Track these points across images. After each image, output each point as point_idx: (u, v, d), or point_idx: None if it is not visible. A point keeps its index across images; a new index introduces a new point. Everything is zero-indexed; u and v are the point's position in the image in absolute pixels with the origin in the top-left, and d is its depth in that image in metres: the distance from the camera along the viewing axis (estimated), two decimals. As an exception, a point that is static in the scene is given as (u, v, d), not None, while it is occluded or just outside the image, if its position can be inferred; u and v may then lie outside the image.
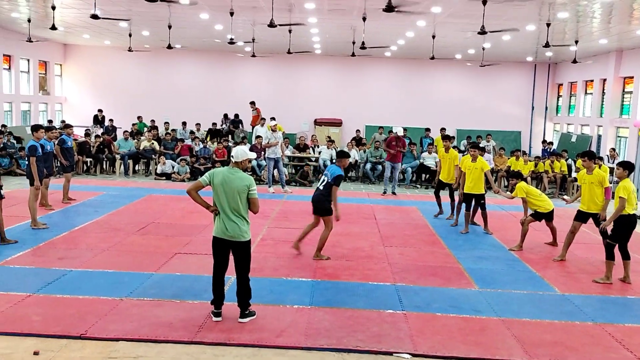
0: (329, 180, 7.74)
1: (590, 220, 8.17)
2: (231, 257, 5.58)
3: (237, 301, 5.56)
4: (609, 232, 7.39)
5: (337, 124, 21.89)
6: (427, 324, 5.71)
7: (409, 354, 5.01)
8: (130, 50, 17.58)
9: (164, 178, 15.52)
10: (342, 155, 8.24)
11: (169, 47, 15.71)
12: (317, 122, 21.91)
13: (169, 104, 21.60)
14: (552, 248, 9.23)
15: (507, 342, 5.33)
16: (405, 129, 19.38)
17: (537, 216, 9.06)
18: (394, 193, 14.10)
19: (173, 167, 15.76)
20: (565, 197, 11.16)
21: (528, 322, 5.87)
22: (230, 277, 5.94)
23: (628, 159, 15.95)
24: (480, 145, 17.84)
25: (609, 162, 15.06)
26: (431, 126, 19.54)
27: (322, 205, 7.83)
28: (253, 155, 5.72)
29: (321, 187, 7.83)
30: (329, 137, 18.79)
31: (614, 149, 15.82)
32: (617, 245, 7.27)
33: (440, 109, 21.47)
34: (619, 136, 17.16)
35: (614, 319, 6.06)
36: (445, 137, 10.94)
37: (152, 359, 4.72)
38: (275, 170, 14.22)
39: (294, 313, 5.83)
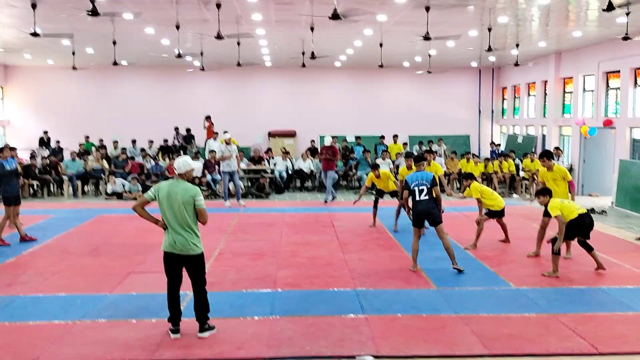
0: (429, 186, 7.65)
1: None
2: (186, 272, 5.47)
3: (196, 316, 5.45)
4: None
5: (291, 135, 21.92)
6: (388, 325, 5.74)
7: (372, 356, 5.03)
8: (74, 68, 17.13)
9: (115, 197, 15.14)
10: (420, 159, 8.41)
11: (115, 63, 15.39)
12: (271, 134, 21.87)
13: (117, 121, 21.11)
14: (505, 245, 9.48)
15: (467, 338, 5.42)
16: (358, 137, 19.71)
17: (491, 214, 9.31)
18: (325, 201, 14.15)
19: (124, 186, 15.40)
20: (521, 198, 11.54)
21: (485, 317, 5.99)
22: (188, 292, 5.82)
23: (572, 156, 16.59)
24: (432, 149, 18.27)
25: (554, 159, 15.58)
26: (385, 133, 19.82)
27: (435, 215, 7.66)
28: (197, 165, 5.63)
29: (425, 197, 7.61)
30: (284, 148, 18.80)
31: (558, 148, 16.40)
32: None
33: (393, 116, 21.80)
34: (562, 135, 17.82)
35: (566, 308, 6.24)
36: (407, 155, 11.03)
37: (109, 380, 4.56)
38: (231, 183, 14.11)
39: (255, 324, 5.76)
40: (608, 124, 14.81)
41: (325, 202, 14.12)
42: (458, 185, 16.57)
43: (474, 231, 9.30)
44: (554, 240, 7.53)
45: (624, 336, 5.48)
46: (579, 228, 7.52)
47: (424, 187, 7.63)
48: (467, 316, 6.00)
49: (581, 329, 5.65)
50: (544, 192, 7.85)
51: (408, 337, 5.44)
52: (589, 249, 7.68)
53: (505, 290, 6.97)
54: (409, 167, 10.32)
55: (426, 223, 8.01)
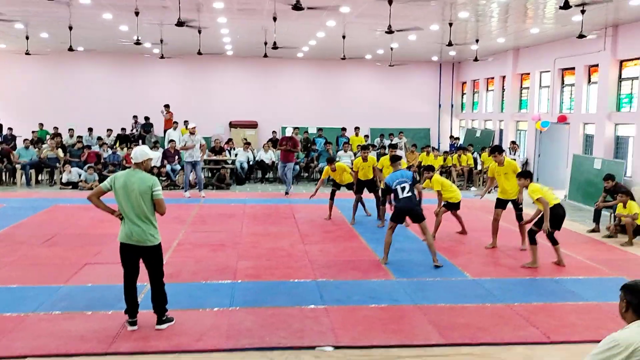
0: (410, 183, 7.77)
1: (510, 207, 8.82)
2: (142, 264, 5.37)
3: (153, 308, 5.36)
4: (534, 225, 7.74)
5: (253, 125, 21.73)
6: (348, 316, 5.79)
7: (331, 346, 5.06)
8: (27, 53, 16.52)
9: (70, 187, 14.73)
10: (396, 159, 8.63)
11: (71, 49, 14.90)
12: (232, 125, 21.63)
13: (73, 109, 20.49)
14: (462, 236, 9.68)
15: (424, 328, 5.51)
16: (320, 129, 19.72)
17: (449, 206, 9.48)
18: (286, 193, 14.13)
19: (80, 176, 14.99)
20: (477, 192, 11.76)
21: (443, 307, 6.10)
22: (146, 284, 5.72)
23: (528, 150, 17.03)
24: (393, 142, 18.46)
25: (510, 154, 15.98)
26: (347, 125, 19.88)
27: (418, 211, 7.78)
28: (154, 154, 5.53)
29: (408, 194, 7.71)
30: (245, 139, 18.64)
31: (514, 142, 16.82)
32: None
33: (354, 108, 21.87)
34: (518, 129, 18.26)
35: (520, 299, 6.43)
36: (363, 148, 11.05)
37: (62, 374, 4.45)
38: (192, 174, 13.92)
39: (214, 316, 5.72)
40: (562, 119, 15.24)
41: (286, 193, 14.09)
42: (418, 178, 16.78)
43: (431, 223, 9.43)
44: (532, 231, 7.66)
45: (574, 325, 5.68)
46: (553, 217, 7.51)
47: (406, 185, 7.76)
48: (425, 306, 6.11)
49: (534, 318, 5.82)
50: (526, 175, 7.90)
51: (367, 327, 5.50)
52: (554, 243, 7.76)
53: (462, 281, 7.12)
54: (364, 159, 10.48)
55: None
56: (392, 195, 7.91)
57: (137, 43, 13.69)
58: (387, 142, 18.85)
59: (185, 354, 4.83)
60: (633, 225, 9.29)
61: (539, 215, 7.67)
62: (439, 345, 5.13)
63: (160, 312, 5.36)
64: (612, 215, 10.28)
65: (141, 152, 5.36)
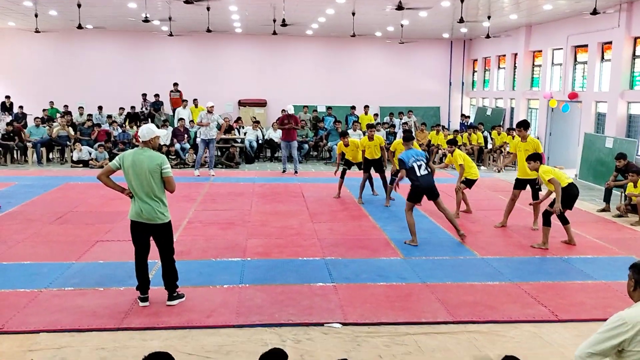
0: (425, 161, 7.76)
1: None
2: (153, 241, 5.43)
3: (164, 284, 5.44)
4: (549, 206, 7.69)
5: (262, 104, 21.66)
6: (356, 293, 5.83)
7: (340, 323, 5.11)
8: (37, 31, 16.50)
9: (81, 165, 14.83)
10: (409, 138, 8.39)
11: (80, 27, 14.88)
12: (241, 103, 21.57)
13: (83, 87, 20.51)
14: (469, 215, 9.67)
15: (432, 306, 5.55)
16: (329, 108, 19.63)
17: (468, 183, 9.45)
18: (295, 172, 14.08)
19: (90, 154, 15.08)
20: (497, 166, 11.76)
21: (451, 285, 6.13)
22: (156, 261, 5.79)
23: (539, 129, 16.88)
24: (402, 121, 18.37)
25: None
26: (356, 104, 19.77)
27: (436, 189, 7.76)
28: (161, 132, 5.52)
29: (425, 172, 7.69)
30: (254, 117, 18.61)
31: (526, 121, 16.60)
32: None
33: (364, 86, 21.71)
34: (530, 108, 18.07)
35: (528, 277, 6.43)
36: (370, 127, 11.02)
37: (76, 348, 4.54)
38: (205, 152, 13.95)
39: (224, 293, 5.79)
40: (573, 96, 15.06)
41: (295, 172, 14.09)
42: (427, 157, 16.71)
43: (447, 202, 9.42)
44: (547, 212, 7.62)
45: (583, 304, 5.69)
46: (566, 197, 7.45)
47: (422, 162, 7.71)
48: (433, 284, 6.14)
49: (542, 296, 5.83)
50: (535, 158, 7.74)
51: (375, 304, 5.54)
52: (565, 222, 7.73)
53: (471, 260, 7.13)
54: (370, 138, 10.43)
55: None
56: (408, 174, 7.71)
57: (146, 20, 13.65)
58: (396, 120, 18.76)
59: (195, 330, 4.90)
60: (644, 205, 9.23)
61: (552, 196, 7.61)
62: (447, 322, 5.17)
63: (171, 288, 5.43)
64: (623, 194, 10.20)
65: (148, 130, 5.37)
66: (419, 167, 7.67)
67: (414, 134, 17.19)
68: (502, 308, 5.51)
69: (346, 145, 10.87)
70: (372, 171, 10.77)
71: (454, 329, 5.05)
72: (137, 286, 5.43)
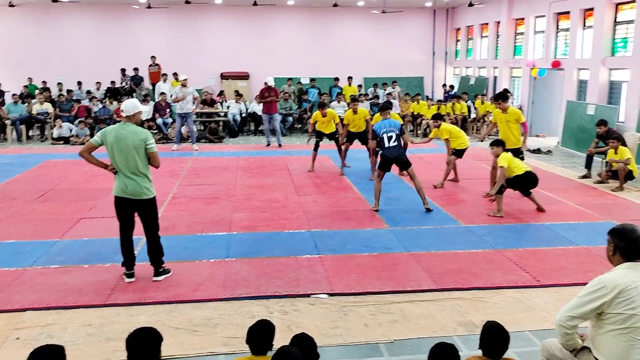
0: (398, 132, 7.85)
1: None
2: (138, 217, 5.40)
3: (150, 260, 5.43)
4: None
5: (245, 77, 21.39)
6: (342, 264, 5.88)
7: (326, 293, 5.16)
8: (11, 5, 16.06)
9: (62, 142, 14.61)
10: (385, 108, 8.45)
11: (55, 0, 14.47)
12: (223, 76, 21.29)
13: (61, 63, 20.06)
14: (455, 184, 9.75)
15: (417, 274, 5.62)
16: (313, 79, 19.46)
17: (458, 153, 9.50)
18: (279, 145, 14.05)
19: (71, 130, 14.86)
20: (477, 136, 11.82)
21: (435, 254, 6.21)
22: (142, 237, 5.77)
23: (522, 98, 16.93)
24: (387, 92, 18.29)
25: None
26: (339, 75, 19.61)
27: (405, 159, 7.91)
28: (145, 108, 5.46)
29: (394, 143, 7.81)
30: (237, 91, 18.41)
31: (507, 90, 16.57)
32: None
33: (347, 57, 21.51)
34: (513, 76, 18.08)
35: (511, 244, 6.53)
36: (353, 100, 10.94)
37: (62, 325, 4.54)
38: (184, 127, 13.82)
39: (210, 267, 5.80)
40: (556, 65, 15.09)
41: (279, 145, 14.04)
42: (411, 128, 16.75)
43: (428, 173, 9.49)
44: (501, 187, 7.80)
45: (564, 269, 5.80)
46: (524, 183, 7.80)
47: (393, 134, 7.82)
48: (418, 253, 6.21)
49: (525, 263, 5.94)
50: (498, 143, 8.06)
51: (361, 274, 5.60)
52: (527, 194, 8.00)
53: (455, 229, 7.21)
54: (354, 111, 10.40)
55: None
56: (378, 144, 7.91)
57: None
58: (380, 91, 18.68)
59: (182, 304, 4.92)
60: (625, 171, 9.35)
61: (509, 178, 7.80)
62: (431, 290, 5.24)
63: (157, 264, 5.43)
64: (604, 161, 10.32)
65: (132, 105, 5.29)
66: (389, 138, 7.82)
67: (398, 105, 17.19)
68: (485, 275, 5.60)
69: (324, 116, 10.80)
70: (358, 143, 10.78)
71: (438, 297, 5.12)
72: (123, 262, 5.42)
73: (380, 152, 7.97)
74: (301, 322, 4.60)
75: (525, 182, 7.84)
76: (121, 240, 5.37)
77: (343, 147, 10.71)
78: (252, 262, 5.93)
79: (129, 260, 5.39)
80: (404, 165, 7.96)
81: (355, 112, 10.43)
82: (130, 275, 5.40)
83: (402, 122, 10.45)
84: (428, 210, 7.87)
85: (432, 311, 4.83)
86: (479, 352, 3.10)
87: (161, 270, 5.45)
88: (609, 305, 2.85)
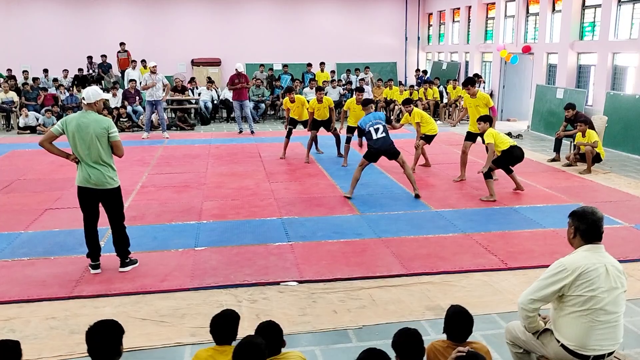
0: (383, 123, 7.86)
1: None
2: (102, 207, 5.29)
3: (115, 251, 5.33)
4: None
5: (216, 63, 21.11)
6: (312, 251, 5.86)
7: (296, 281, 5.14)
8: (-29, -10, 15.54)
9: (28, 132, 14.26)
10: (367, 103, 8.60)
11: (17, -15, 14.04)
12: (194, 63, 20.97)
13: (27, 50, 19.52)
14: (426, 169, 9.80)
15: (387, 259, 5.63)
16: (285, 65, 19.29)
17: (427, 139, 9.53)
18: (252, 132, 13.97)
19: (37, 119, 14.50)
20: (450, 122, 11.89)
21: (405, 239, 6.23)
22: (108, 228, 5.64)
23: (493, 82, 17.05)
24: (359, 77, 18.24)
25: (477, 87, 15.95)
26: (312, 61, 19.48)
27: (394, 149, 7.87)
28: (107, 95, 5.34)
29: (384, 134, 7.79)
30: (209, 77, 18.16)
31: (478, 75, 16.69)
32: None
33: (320, 43, 21.37)
34: (484, 61, 18.19)
35: (480, 228, 6.59)
36: (318, 89, 10.82)
37: (25, 319, 4.43)
38: (154, 115, 13.60)
39: (179, 257, 5.72)
40: (527, 50, 15.21)
41: (252, 132, 13.93)
42: (385, 113, 16.73)
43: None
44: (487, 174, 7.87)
45: (531, 251, 5.87)
46: (509, 158, 7.89)
47: (379, 125, 7.83)
48: (388, 239, 6.22)
49: (493, 246, 5.99)
50: (485, 119, 8.15)
51: (331, 261, 5.59)
52: (509, 172, 8.11)
53: (425, 213, 7.24)
54: (319, 100, 10.42)
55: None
56: (366, 136, 7.92)
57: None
58: (353, 77, 18.63)
59: (149, 295, 4.85)
60: (592, 153, 9.50)
61: (496, 157, 7.88)
62: (400, 275, 5.26)
63: (123, 254, 5.33)
64: (572, 144, 10.47)
65: (94, 92, 5.15)
66: (376, 130, 7.82)
67: (370, 90, 17.17)
68: (454, 259, 5.64)
69: (292, 101, 10.75)
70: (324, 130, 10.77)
71: (407, 281, 5.14)
72: (88, 253, 5.31)
73: (369, 144, 7.92)
74: (270, 310, 4.58)
75: (510, 157, 7.90)
76: (85, 231, 5.26)
77: (310, 134, 10.64)
78: (222, 250, 5.87)
79: (94, 252, 5.28)
80: (394, 155, 7.92)
81: (320, 101, 10.40)
82: (95, 267, 5.29)
83: (331, 106, 10.54)
84: (417, 196, 7.87)
85: (401, 296, 4.85)
86: (444, 337, 3.12)
87: (127, 260, 5.35)
88: (569, 287, 2.87)
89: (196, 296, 4.83)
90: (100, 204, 5.26)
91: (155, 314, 4.51)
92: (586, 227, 2.96)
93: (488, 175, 7.83)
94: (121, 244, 5.31)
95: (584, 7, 13.40)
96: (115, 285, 5.02)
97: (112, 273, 5.27)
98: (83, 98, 5.16)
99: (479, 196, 7.99)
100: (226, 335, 3.05)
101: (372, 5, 21.44)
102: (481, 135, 8.64)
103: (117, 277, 5.20)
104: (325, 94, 16.29)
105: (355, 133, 10.42)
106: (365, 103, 8.58)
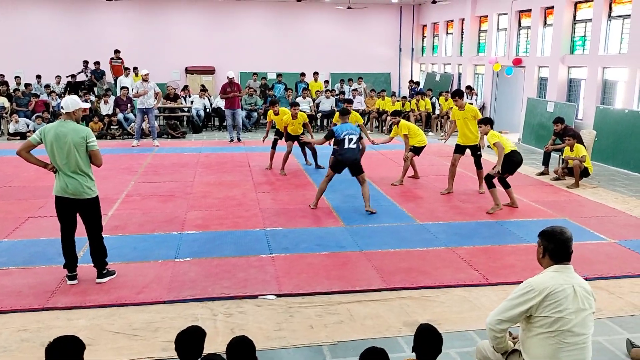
0: (358, 137, 7.77)
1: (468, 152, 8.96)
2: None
3: (93, 262, 5.28)
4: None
5: (210, 71, 21.12)
6: (293, 264, 5.81)
7: (274, 294, 5.09)
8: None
9: (18, 138, 14.20)
10: (345, 112, 8.37)
11: (10, -9, 14.04)
12: (188, 70, 20.98)
13: (20, 56, 19.48)
14: (414, 181, 9.77)
15: (367, 273, 5.59)
16: (279, 75, 19.31)
17: (416, 151, 9.51)
18: (239, 139, 14.03)
19: (28, 126, 14.45)
20: (441, 137, 11.87)
21: (387, 252, 6.19)
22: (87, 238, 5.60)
23: (485, 94, 17.10)
24: (352, 88, 18.26)
25: (467, 98, 16.00)
26: (306, 70, 19.51)
27: (360, 165, 7.83)
28: (86, 105, 5.31)
29: (354, 146, 7.69)
30: (203, 85, 18.16)
31: (470, 87, 16.73)
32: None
33: (314, 53, 21.42)
34: (476, 73, 18.25)
35: (463, 242, 6.56)
36: (292, 105, 10.74)
37: (-4, 331, 4.37)
38: (145, 122, 13.58)
39: (158, 268, 5.67)
40: (518, 62, 15.27)
41: (239, 140, 14.02)
42: (377, 124, 16.77)
43: (389, 169, 9.49)
44: (488, 176, 7.78)
45: (513, 266, 5.84)
46: (509, 163, 7.73)
47: (354, 137, 7.76)
48: (370, 252, 6.18)
49: (475, 260, 5.96)
50: (486, 122, 8.06)
51: (311, 274, 5.54)
52: (507, 186, 7.98)
53: (410, 226, 7.21)
54: (293, 116, 10.22)
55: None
56: (337, 144, 7.79)
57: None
58: (346, 87, 18.65)
59: (124, 307, 4.79)
60: (580, 168, 9.50)
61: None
62: (380, 289, 5.22)
63: (100, 265, 5.28)
64: (561, 158, 10.47)
65: (72, 101, 5.13)
66: (350, 140, 7.72)
67: (363, 101, 17.20)
68: (435, 273, 5.60)
69: (276, 114, 10.77)
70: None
71: (386, 296, 5.10)
72: (65, 264, 5.25)
73: (337, 152, 7.84)
74: (245, 324, 4.53)
75: (511, 163, 7.73)
76: (63, 241, 5.21)
77: (287, 147, 10.49)
78: (201, 262, 5.82)
79: (70, 262, 5.23)
80: (358, 170, 7.82)
81: (294, 117, 10.32)
82: (72, 278, 5.24)
83: (361, 122, 10.48)
84: (370, 212, 7.74)
85: (379, 311, 4.80)
86: (414, 355, 3.08)
87: (105, 272, 5.30)
88: (536, 308, 2.84)
89: (171, 309, 4.78)
90: (78, 214, 5.21)
91: (129, 327, 4.45)
92: (554, 246, 2.93)
93: (491, 184, 7.76)
94: (98, 254, 5.26)
95: (574, 21, 13.47)
96: (90, 297, 4.96)
97: (88, 284, 5.21)
98: (62, 107, 5.13)
99: (465, 209, 7.97)
100: (191, 353, 3.00)
101: (366, 16, 21.52)
102: (471, 148, 8.65)
103: (93, 288, 5.14)
104: (318, 106, 16.48)
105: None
106: (343, 113, 8.49)
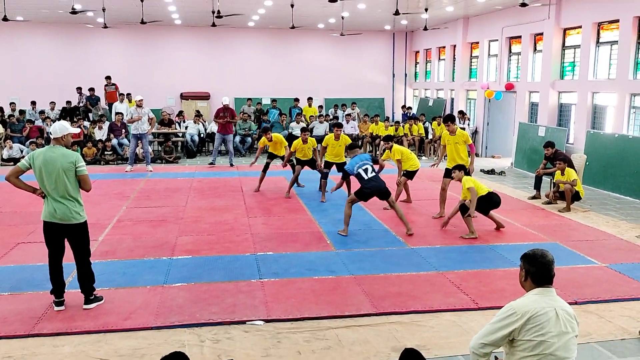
0: (371, 163, 7.93)
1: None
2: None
3: (80, 288, 5.24)
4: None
5: (205, 97, 21.28)
6: (283, 289, 5.78)
7: (262, 320, 5.05)
8: (-39, 23, 15.65)
9: (12, 163, 14.18)
10: (353, 147, 8.64)
11: (5, 19, 14.18)
12: (183, 96, 21.14)
13: (15, 82, 19.62)
14: (406, 205, 9.79)
15: (357, 298, 5.56)
16: (274, 100, 19.47)
17: (409, 175, 9.56)
18: (231, 164, 14.14)
19: (22, 151, 14.47)
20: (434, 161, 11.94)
21: (378, 276, 6.17)
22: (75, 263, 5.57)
23: (477, 119, 17.24)
24: (346, 113, 18.41)
25: (459, 123, 16.13)
26: (300, 96, 19.68)
27: (386, 189, 7.89)
28: (75, 130, 5.36)
29: (373, 174, 7.81)
30: (198, 111, 18.27)
31: (462, 112, 16.88)
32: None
33: (309, 78, 21.64)
34: (469, 98, 18.44)
35: (454, 266, 6.55)
36: (303, 130, 10.93)
37: (-21, 359, 4.32)
38: (139, 148, 13.62)
39: (146, 294, 5.63)
40: (509, 87, 15.45)
41: (231, 165, 14.09)
42: (370, 149, 16.85)
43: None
44: (463, 207, 7.87)
45: (503, 290, 5.82)
46: (487, 203, 7.93)
47: (368, 166, 7.83)
48: (361, 276, 6.16)
49: (465, 285, 5.94)
50: (460, 168, 8.24)
51: (300, 299, 5.52)
52: (486, 213, 8.10)
53: (401, 250, 7.21)
54: (304, 141, 10.40)
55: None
56: (357, 179, 7.90)
57: (74, 12, 13.11)
58: (340, 112, 18.79)
59: (111, 333, 4.74)
60: (572, 192, 9.54)
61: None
62: (369, 314, 5.19)
63: (88, 291, 5.24)
64: (552, 182, 10.53)
65: (61, 126, 5.15)
66: (365, 171, 7.80)
67: (357, 125, 17.32)
68: (425, 298, 5.58)
69: (270, 140, 10.92)
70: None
71: (376, 321, 5.07)
72: (52, 290, 5.22)
73: (362, 185, 7.86)
74: (232, 350, 4.49)
75: (488, 203, 7.95)
76: (50, 267, 5.19)
77: (296, 171, 10.67)
78: (190, 287, 5.79)
79: (58, 288, 5.19)
80: (385, 195, 7.89)
81: (305, 142, 10.44)
82: (59, 304, 5.20)
83: (315, 145, 10.57)
84: (410, 235, 7.82)
85: (368, 336, 4.77)
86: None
87: (92, 297, 5.26)
88: (519, 332, 2.84)
89: (158, 335, 4.73)
90: (66, 240, 5.20)
91: (115, 353, 4.40)
92: (536, 270, 2.94)
93: (466, 212, 7.83)
94: (86, 280, 5.23)
95: (564, 47, 13.68)
96: (77, 323, 4.91)
97: (75, 310, 5.17)
98: (50, 133, 5.15)
99: (457, 233, 7.98)
100: (173, 379, 2.97)
101: (360, 43, 21.79)
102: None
103: (80, 314, 5.10)
104: (312, 131, 16.59)
105: (333, 168, 10.42)
106: (351, 147, 8.62)
